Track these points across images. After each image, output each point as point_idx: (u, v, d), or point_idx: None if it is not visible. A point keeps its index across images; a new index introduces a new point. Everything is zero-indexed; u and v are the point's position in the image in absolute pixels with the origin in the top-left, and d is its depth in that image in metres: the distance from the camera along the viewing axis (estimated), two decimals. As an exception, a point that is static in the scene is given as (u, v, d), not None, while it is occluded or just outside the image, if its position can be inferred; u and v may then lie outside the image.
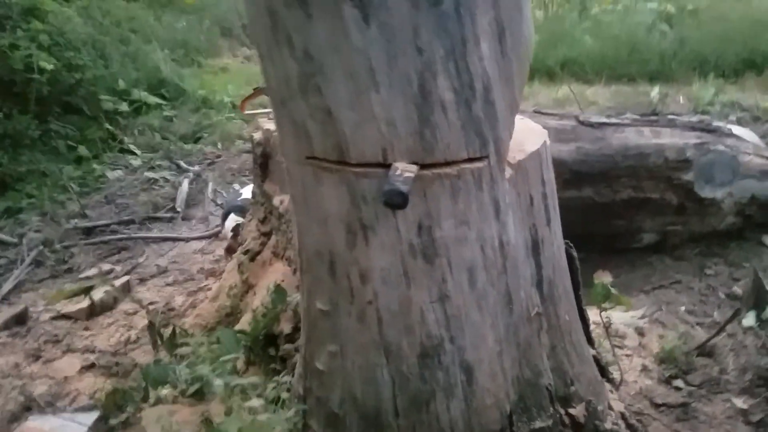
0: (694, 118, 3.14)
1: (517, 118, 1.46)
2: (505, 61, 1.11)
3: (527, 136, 1.35)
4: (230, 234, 2.78)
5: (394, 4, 0.98)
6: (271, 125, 2.27)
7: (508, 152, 1.22)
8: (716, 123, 3.07)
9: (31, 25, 4.91)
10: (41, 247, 3.35)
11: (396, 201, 1.00)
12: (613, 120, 3.05)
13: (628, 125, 3.02)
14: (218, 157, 5.02)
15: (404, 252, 1.18)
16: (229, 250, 2.73)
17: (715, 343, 2.06)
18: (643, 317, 2.28)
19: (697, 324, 2.31)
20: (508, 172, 1.20)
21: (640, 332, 2.17)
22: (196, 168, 4.69)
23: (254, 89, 2.54)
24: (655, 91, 5.63)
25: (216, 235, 3.43)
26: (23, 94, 4.69)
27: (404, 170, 1.06)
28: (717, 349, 2.05)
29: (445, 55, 1.03)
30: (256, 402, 1.35)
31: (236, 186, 4.21)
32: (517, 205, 1.25)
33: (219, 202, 4.00)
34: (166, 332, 1.98)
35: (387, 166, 1.10)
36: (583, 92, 5.96)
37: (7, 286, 2.98)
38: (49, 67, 4.68)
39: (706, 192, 2.82)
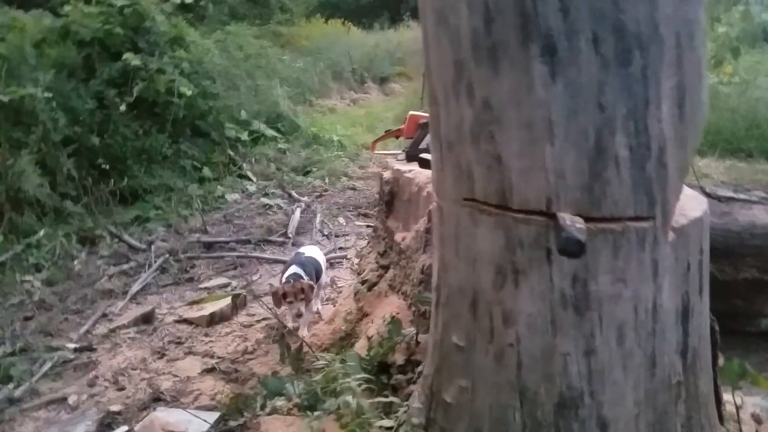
0: (833, 204, 2.95)
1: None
2: (682, 124, 1.13)
3: (688, 201, 1.35)
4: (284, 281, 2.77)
5: (584, 62, 1.04)
6: (401, 166, 2.38)
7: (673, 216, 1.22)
8: None
9: (176, 53, 5.39)
10: (167, 256, 3.64)
11: (572, 249, 1.02)
12: (741, 196, 2.94)
13: (756, 203, 2.90)
14: (325, 191, 5.27)
15: (555, 301, 1.20)
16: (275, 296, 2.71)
17: None
18: (776, 405, 2.12)
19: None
20: (671, 235, 1.20)
21: (778, 420, 2.01)
22: (306, 199, 4.94)
23: (385, 131, 2.72)
24: (776, 170, 5.34)
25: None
26: (162, 114, 5.15)
27: (572, 221, 1.09)
28: None
29: (627, 114, 1.07)
30: (386, 422, 1.38)
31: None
32: (674, 270, 1.24)
33: (325, 232, 4.18)
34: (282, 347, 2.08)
35: (547, 215, 1.14)
36: (694, 164, 5.73)
37: (136, 287, 3.25)
38: (188, 92, 5.11)
39: (839, 283, 2.63)
